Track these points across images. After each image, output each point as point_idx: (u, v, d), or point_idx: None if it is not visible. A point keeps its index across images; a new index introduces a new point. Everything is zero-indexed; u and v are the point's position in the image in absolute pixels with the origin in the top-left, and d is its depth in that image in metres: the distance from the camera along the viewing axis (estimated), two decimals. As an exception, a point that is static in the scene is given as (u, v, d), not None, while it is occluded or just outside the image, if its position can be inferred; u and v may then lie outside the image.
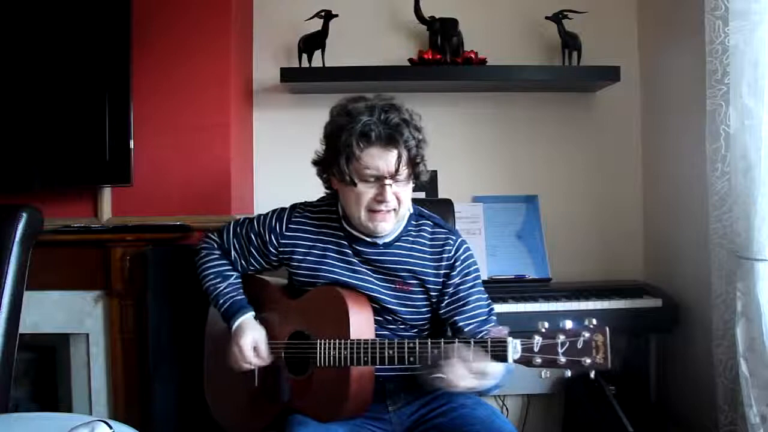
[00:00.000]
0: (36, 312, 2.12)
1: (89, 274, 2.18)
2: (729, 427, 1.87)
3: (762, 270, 1.71)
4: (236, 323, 1.60)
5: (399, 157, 1.48)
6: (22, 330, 1.47)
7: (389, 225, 1.55)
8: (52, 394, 2.28)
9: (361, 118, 1.47)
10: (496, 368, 1.37)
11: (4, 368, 1.40)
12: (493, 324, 1.58)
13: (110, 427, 1.16)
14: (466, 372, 1.34)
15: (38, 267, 1.54)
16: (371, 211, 1.51)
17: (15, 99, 2.22)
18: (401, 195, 1.52)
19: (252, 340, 1.58)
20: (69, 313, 2.19)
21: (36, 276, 1.52)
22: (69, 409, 2.21)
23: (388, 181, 1.49)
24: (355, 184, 1.49)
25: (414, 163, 1.52)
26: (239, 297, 1.65)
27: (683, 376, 2.33)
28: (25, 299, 1.47)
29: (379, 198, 1.50)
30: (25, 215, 1.47)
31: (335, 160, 1.50)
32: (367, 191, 1.50)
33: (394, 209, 1.53)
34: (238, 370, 1.60)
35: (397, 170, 1.48)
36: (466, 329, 1.55)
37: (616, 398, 2.20)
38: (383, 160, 1.48)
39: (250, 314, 1.63)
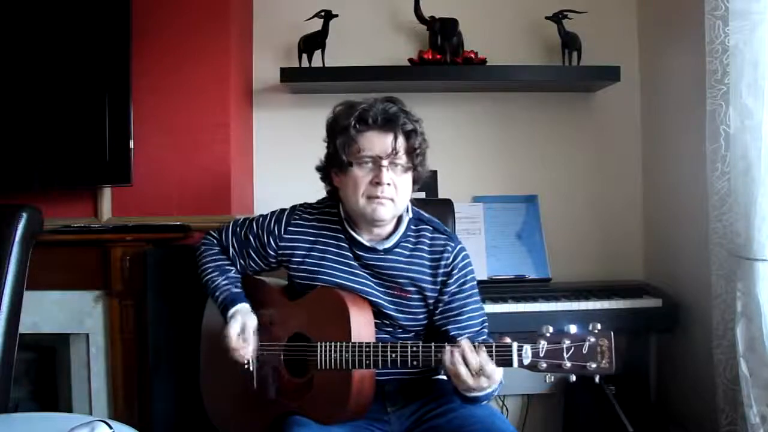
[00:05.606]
0: (36, 312, 2.12)
1: (89, 274, 2.17)
2: (729, 427, 1.87)
3: (762, 270, 1.71)
4: (230, 312, 1.60)
5: (395, 138, 1.50)
6: (22, 330, 1.47)
7: (388, 212, 1.53)
8: (52, 394, 2.28)
9: (360, 107, 1.52)
10: (497, 371, 1.37)
11: (4, 368, 1.40)
12: (484, 337, 1.58)
13: (110, 427, 1.16)
14: (466, 371, 1.35)
15: (38, 267, 1.53)
16: (369, 196, 1.51)
17: (15, 99, 2.22)
18: (398, 183, 1.52)
19: (240, 326, 1.57)
20: (69, 313, 2.19)
21: (36, 276, 1.52)
22: (69, 409, 2.21)
23: (384, 162, 1.49)
24: (351, 165, 1.51)
25: (412, 151, 1.53)
26: (236, 290, 1.65)
27: (683, 376, 2.33)
28: (25, 299, 1.47)
29: (376, 180, 1.50)
30: (25, 215, 1.47)
31: (334, 148, 1.53)
32: (364, 175, 1.51)
33: (392, 199, 1.51)
34: (236, 360, 1.58)
35: (393, 151, 1.50)
36: (457, 339, 1.53)
37: (616, 398, 2.21)
38: (379, 140, 1.50)
39: (245, 304, 1.62)
